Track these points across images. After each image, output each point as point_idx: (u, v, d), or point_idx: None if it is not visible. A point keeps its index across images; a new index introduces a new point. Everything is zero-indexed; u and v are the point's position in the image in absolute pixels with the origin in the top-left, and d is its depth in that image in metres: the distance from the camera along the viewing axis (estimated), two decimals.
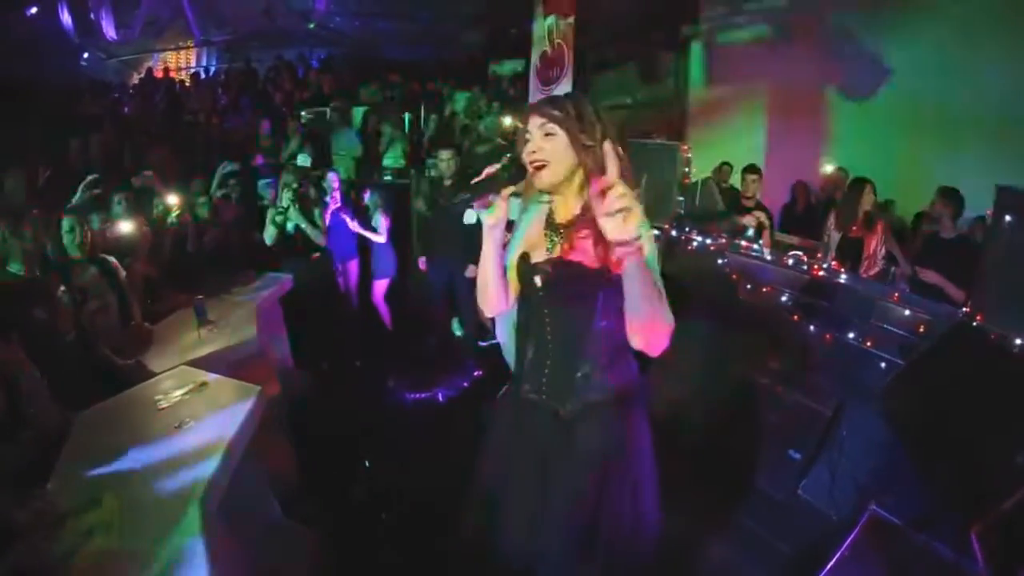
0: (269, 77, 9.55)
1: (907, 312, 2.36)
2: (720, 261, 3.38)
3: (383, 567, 2.51)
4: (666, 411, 3.40)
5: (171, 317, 3.38)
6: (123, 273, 3.11)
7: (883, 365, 2.40)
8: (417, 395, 3.95)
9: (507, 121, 6.10)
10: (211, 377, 2.41)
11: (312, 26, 9.96)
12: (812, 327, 2.77)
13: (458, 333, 4.77)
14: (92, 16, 8.74)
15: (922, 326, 2.23)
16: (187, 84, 10.35)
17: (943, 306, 2.28)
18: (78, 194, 3.53)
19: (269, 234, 3.96)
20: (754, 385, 2.96)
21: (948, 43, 4.89)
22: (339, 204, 4.54)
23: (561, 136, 1.39)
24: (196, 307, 3.08)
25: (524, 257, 1.54)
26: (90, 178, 3.66)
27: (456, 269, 4.19)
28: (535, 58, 6.15)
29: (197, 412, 2.12)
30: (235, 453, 1.92)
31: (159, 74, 10.60)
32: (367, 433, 3.48)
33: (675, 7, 7.12)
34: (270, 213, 3.95)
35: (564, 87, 5.75)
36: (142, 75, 10.78)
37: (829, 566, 1.75)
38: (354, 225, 4.61)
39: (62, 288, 2.51)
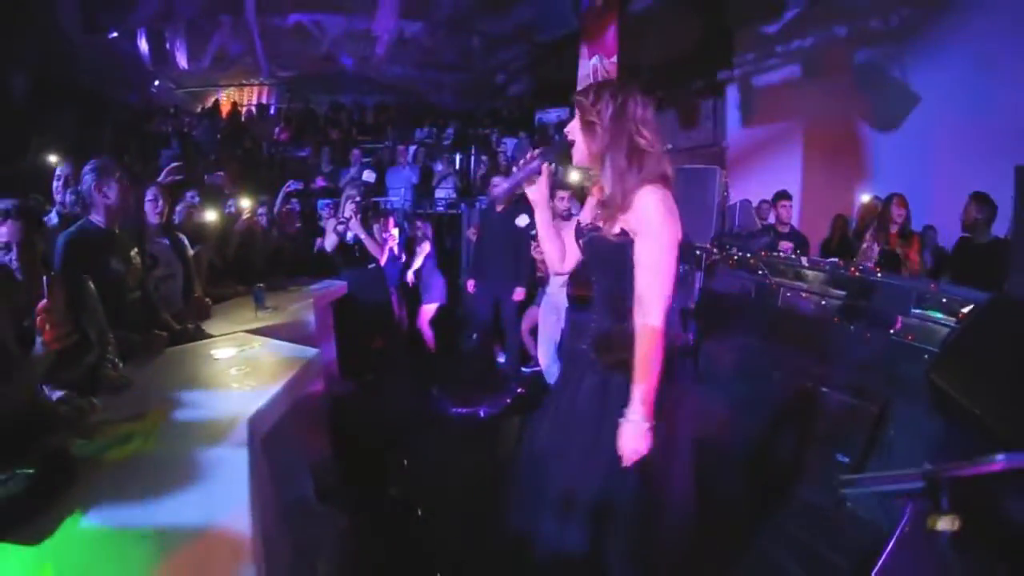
0: (328, 117, 10.30)
1: (945, 301, 2.41)
2: (760, 272, 3.48)
3: (411, 556, 2.51)
4: (711, 419, 3.43)
5: (230, 301, 3.50)
6: (191, 252, 3.28)
7: (926, 357, 2.42)
8: (459, 409, 4.04)
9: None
10: (269, 341, 2.50)
11: (371, 71, 10.73)
12: (852, 326, 2.82)
13: (501, 360, 4.88)
14: (167, 46, 9.62)
15: (962, 314, 2.27)
16: (252, 114, 11.18)
17: (981, 293, 2.33)
18: (161, 176, 3.68)
19: (330, 242, 4.25)
20: (797, 388, 2.97)
21: (973, 66, 4.99)
22: (396, 241, 4.89)
23: (577, 116, 1.57)
24: (255, 293, 3.20)
25: (578, 223, 1.72)
26: (174, 164, 3.84)
27: (503, 292, 4.37)
28: None
29: (253, 364, 2.20)
30: (284, 398, 1.96)
31: (225, 107, 11.40)
32: (407, 437, 3.53)
33: (711, 53, 7.48)
34: (331, 223, 4.25)
35: None
36: (207, 105, 11.66)
37: (893, 541, 1.74)
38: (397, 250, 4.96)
39: (135, 249, 2.63)
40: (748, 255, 3.66)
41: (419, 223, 5.44)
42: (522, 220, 4.16)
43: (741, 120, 7.51)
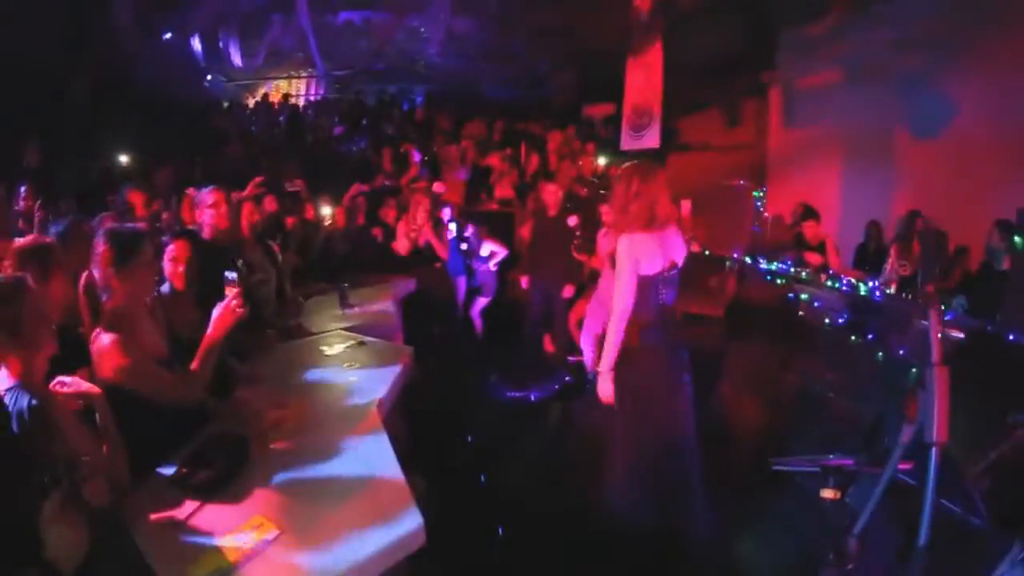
0: (380, 111, 10.73)
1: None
2: (779, 282, 3.88)
3: (477, 514, 2.86)
4: (727, 415, 3.84)
5: (313, 299, 3.90)
6: (280, 256, 3.63)
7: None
8: (514, 393, 4.49)
9: (601, 161, 6.73)
10: (366, 338, 2.86)
11: (421, 65, 11.12)
12: (860, 339, 3.23)
13: (550, 350, 5.26)
14: (220, 44, 10.26)
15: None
16: (307, 111, 11.50)
17: (975, 320, 2.68)
18: (247, 189, 3.86)
19: (403, 245, 4.83)
20: (806, 391, 3.38)
21: (1015, 77, 5.02)
22: (452, 234, 5.35)
23: None
24: (340, 292, 3.60)
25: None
26: (258, 179, 4.01)
27: (554, 289, 4.81)
28: (627, 106, 6.87)
29: (360, 359, 2.58)
30: (396, 387, 2.36)
31: (275, 99, 11.68)
32: (469, 417, 4.00)
33: (755, 55, 7.62)
34: (401, 227, 4.83)
35: (652, 132, 6.42)
36: (257, 99, 11.93)
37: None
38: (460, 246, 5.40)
39: (240, 261, 2.86)
40: (774, 267, 4.05)
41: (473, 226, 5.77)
42: (572, 220, 4.60)
43: (783, 121, 7.67)
